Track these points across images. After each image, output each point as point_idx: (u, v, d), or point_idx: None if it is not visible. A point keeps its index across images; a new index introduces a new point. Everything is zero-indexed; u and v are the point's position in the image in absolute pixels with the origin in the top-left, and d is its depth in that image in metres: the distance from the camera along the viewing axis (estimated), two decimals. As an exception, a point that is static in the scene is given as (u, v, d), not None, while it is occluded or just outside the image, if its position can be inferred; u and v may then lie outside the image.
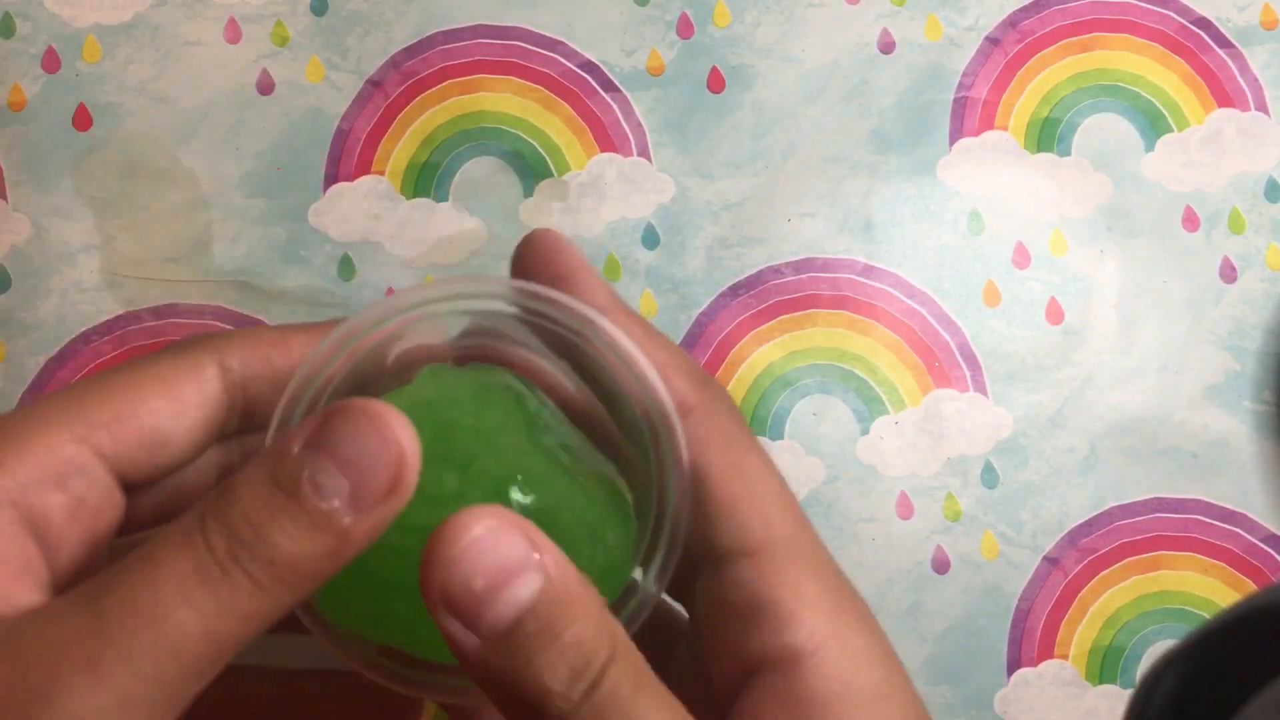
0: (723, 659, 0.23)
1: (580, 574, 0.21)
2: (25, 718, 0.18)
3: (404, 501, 0.20)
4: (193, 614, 0.18)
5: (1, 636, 0.19)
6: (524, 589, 0.20)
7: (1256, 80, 0.42)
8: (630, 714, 0.20)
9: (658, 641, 0.23)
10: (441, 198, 0.41)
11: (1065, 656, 0.40)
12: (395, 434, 0.20)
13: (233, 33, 0.41)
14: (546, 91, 0.41)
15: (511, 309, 0.23)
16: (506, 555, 0.20)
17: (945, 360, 0.41)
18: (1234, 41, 0.42)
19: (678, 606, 0.27)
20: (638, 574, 0.24)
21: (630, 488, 0.24)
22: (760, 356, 0.40)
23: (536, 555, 0.20)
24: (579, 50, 0.41)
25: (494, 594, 0.20)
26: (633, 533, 0.24)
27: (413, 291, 0.23)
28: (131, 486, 0.22)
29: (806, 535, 0.24)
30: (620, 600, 0.24)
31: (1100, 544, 0.40)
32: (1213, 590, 0.40)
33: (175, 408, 0.22)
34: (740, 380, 0.40)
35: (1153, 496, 0.41)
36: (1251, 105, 0.42)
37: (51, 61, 0.40)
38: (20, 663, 0.18)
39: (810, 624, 0.22)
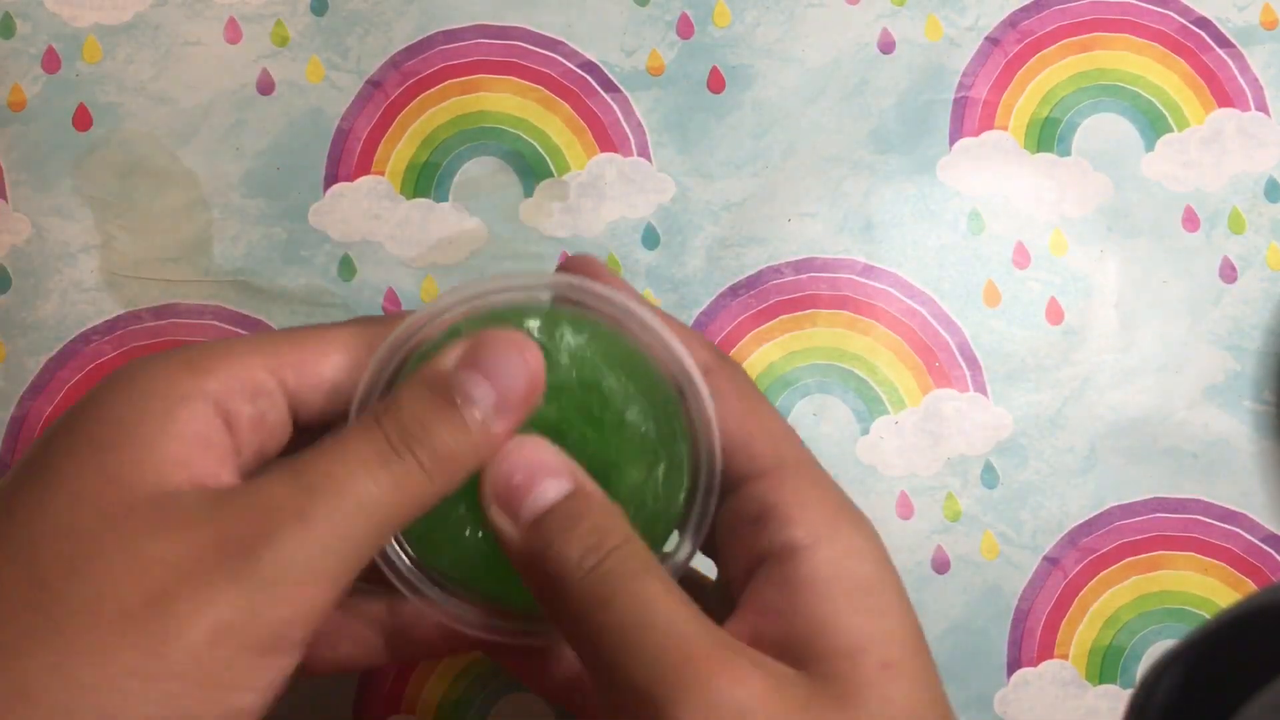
0: (737, 559, 0.27)
1: (604, 494, 0.25)
2: (250, 553, 0.22)
3: (535, 405, 0.25)
4: (376, 486, 0.23)
5: (225, 497, 0.23)
6: (553, 489, 0.25)
7: (1256, 80, 0.42)
8: (633, 586, 0.23)
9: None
10: (441, 198, 0.41)
11: (1065, 656, 0.40)
12: (531, 353, 0.25)
13: (233, 33, 0.41)
14: (546, 91, 0.41)
15: (553, 297, 0.27)
16: (543, 458, 0.25)
17: (945, 360, 0.41)
18: (1234, 41, 0.42)
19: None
20: (672, 539, 0.28)
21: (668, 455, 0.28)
22: (760, 356, 0.40)
23: (567, 467, 0.25)
24: (579, 50, 0.41)
25: (529, 488, 0.25)
26: (685, 467, 0.27)
27: (469, 285, 0.27)
28: (299, 425, 0.26)
29: (809, 459, 0.27)
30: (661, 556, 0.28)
31: (1100, 544, 0.40)
32: (1213, 590, 0.40)
33: (352, 368, 0.26)
34: (740, 380, 0.40)
35: (1153, 496, 0.41)
36: (1251, 105, 0.42)
37: (51, 61, 0.40)
38: (243, 516, 0.23)
39: (809, 522, 0.25)
